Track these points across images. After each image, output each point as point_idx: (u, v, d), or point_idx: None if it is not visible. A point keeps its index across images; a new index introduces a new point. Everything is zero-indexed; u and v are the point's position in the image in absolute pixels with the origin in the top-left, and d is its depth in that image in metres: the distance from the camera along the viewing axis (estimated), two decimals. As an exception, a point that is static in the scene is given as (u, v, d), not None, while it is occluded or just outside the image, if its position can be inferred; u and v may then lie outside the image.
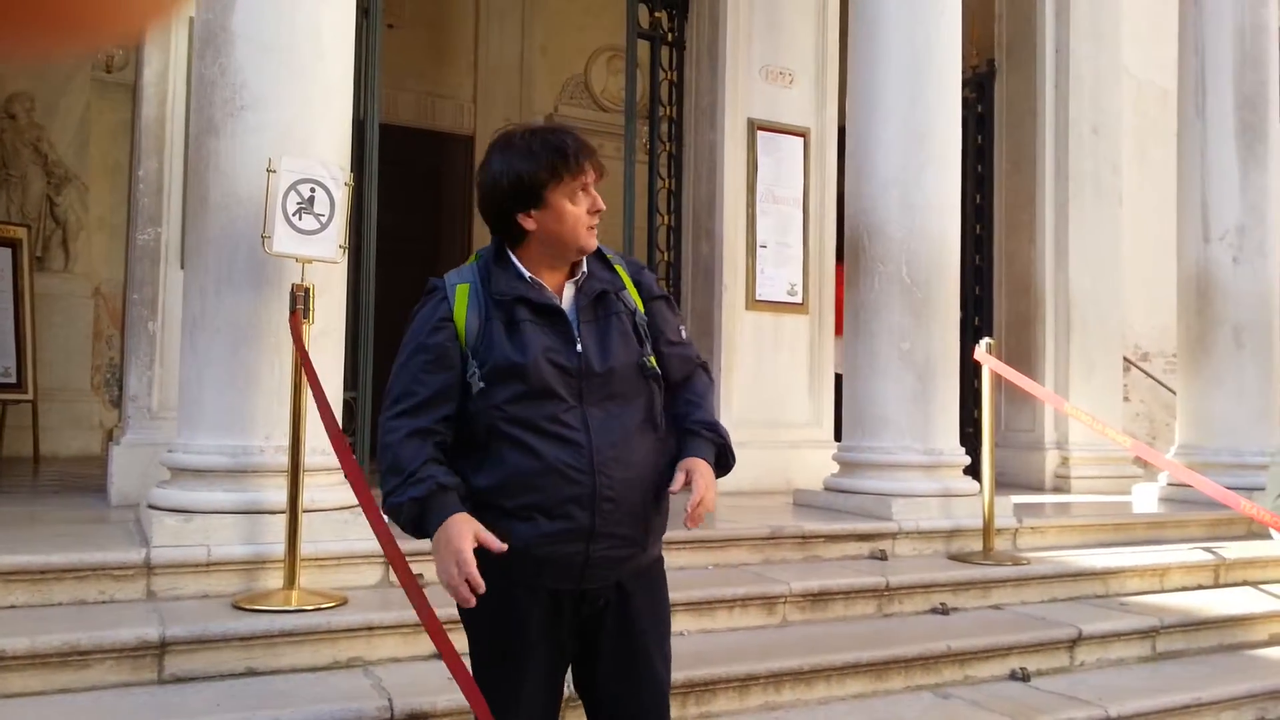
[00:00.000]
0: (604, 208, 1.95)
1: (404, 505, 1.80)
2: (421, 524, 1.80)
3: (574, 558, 1.85)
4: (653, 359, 1.95)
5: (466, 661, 1.98)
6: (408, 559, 2.24)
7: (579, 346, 1.88)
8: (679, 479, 1.88)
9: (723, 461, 1.99)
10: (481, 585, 1.72)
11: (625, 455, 1.87)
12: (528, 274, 1.92)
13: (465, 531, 1.74)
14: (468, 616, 1.95)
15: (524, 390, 1.83)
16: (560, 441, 1.83)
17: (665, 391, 1.99)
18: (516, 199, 1.89)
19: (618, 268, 2.02)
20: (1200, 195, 6.04)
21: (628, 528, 1.88)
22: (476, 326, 1.87)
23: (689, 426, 1.99)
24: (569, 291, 1.94)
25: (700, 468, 1.90)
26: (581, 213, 1.91)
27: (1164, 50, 7.61)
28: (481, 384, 1.84)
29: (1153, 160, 8.41)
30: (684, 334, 2.08)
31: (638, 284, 2.02)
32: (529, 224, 1.90)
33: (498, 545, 1.74)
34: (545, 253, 1.93)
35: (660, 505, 1.97)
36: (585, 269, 1.96)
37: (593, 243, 1.94)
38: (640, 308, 1.99)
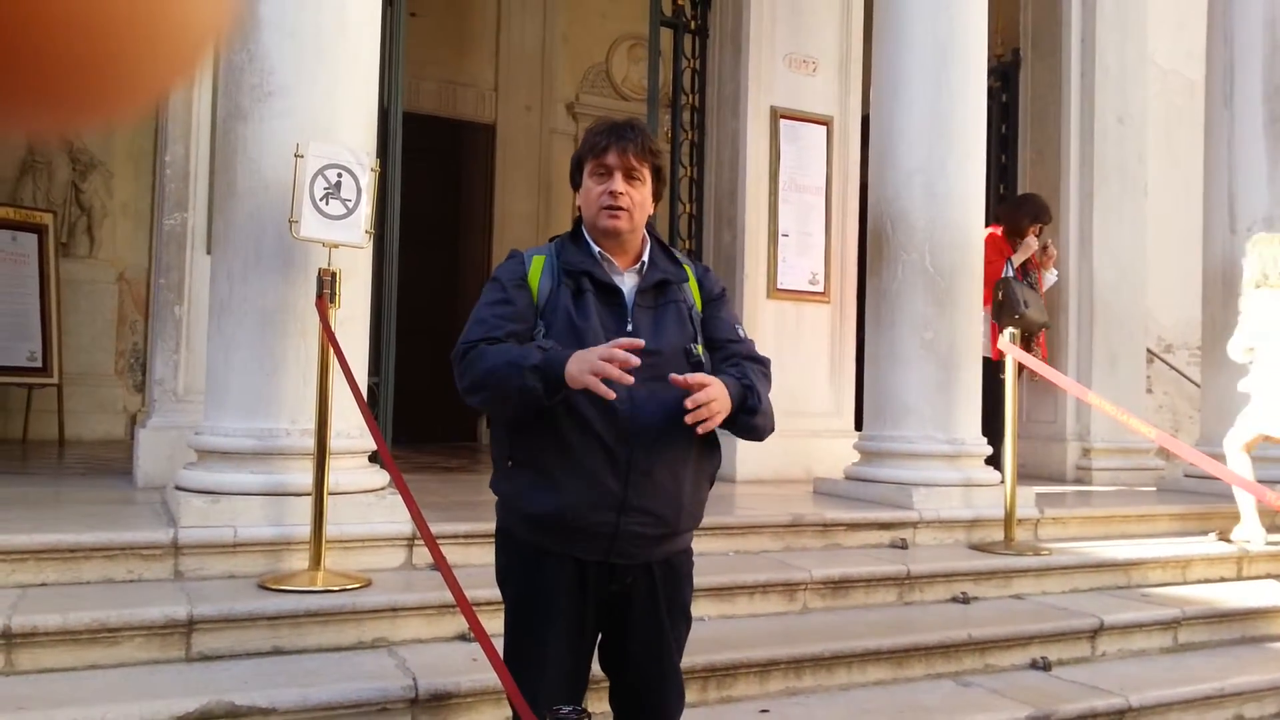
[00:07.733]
0: (619, 191, 1.97)
1: (533, 364, 1.83)
2: (549, 368, 1.83)
3: (603, 528, 1.90)
4: (700, 348, 2.02)
5: (496, 642, 2.00)
6: (438, 541, 2.27)
7: (630, 326, 1.95)
8: (689, 378, 1.86)
9: (747, 404, 1.96)
10: (628, 359, 1.77)
11: (663, 433, 1.91)
12: (597, 250, 2.01)
13: (590, 353, 1.81)
14: (503, 580, 2.05)
15: None
16: (603, 411, 1.88)
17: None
18: (572, 177, 2.09)
19: (685, 266, 2.11)
20: (1227, 186, 5.99)
21: (660, 505, 1.93)
22: (548, 290, 1.99)
23: (720, 370, 2.01)
24: (631, 278, 2.02)
25: (712, 380, 1.90)
26: (599, 192, 1.98)
27: (1191, 40, 7.54)
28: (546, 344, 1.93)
29: (1179, 151, 8.34)
30: (740, 332, 2.12)
31: (701, 284, 2.11)
32: (578, 201, 2.05)
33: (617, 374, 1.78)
34: (595, 236, 2.02)
35: (697, 493, 2.02)
36: (648, 259, 2.04)
37: (611, 225, 1.99)
38: (699, 305, 2.08)
